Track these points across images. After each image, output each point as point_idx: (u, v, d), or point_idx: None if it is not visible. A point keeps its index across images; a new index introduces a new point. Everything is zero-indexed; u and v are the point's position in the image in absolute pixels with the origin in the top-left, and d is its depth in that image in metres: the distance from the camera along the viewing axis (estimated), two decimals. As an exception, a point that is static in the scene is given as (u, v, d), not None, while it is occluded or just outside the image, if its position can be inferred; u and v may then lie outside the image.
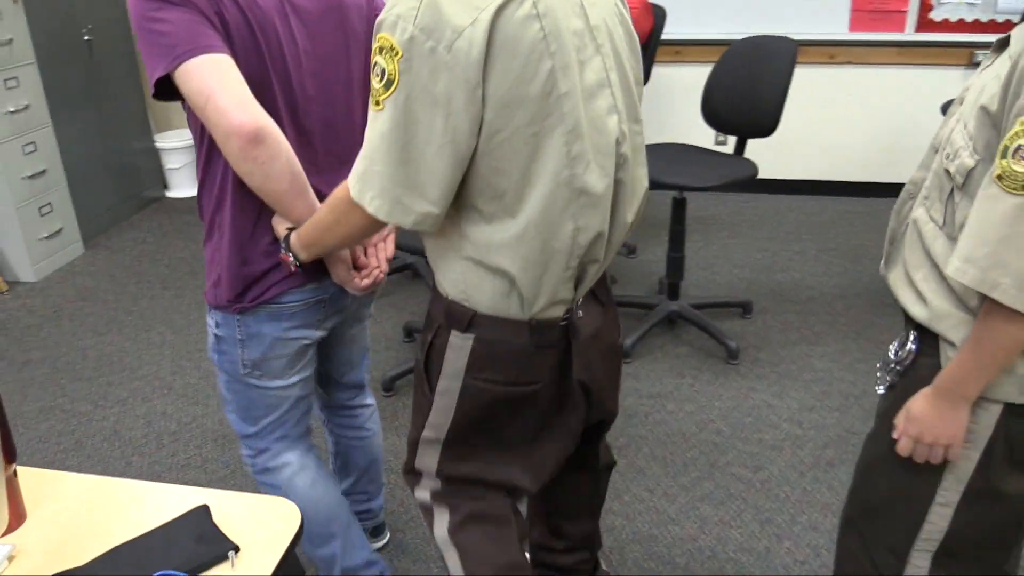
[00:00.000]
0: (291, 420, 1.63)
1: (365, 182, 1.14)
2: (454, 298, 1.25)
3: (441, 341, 1.28)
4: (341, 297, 1.56)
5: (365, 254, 1.51)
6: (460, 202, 1.18)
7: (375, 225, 1.21)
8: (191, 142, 3.69)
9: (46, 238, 3.94)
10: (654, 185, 2.10)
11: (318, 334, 1.56)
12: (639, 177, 1.30)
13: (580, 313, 1.29)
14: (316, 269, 1.45)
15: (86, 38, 4.24)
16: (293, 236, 1.38)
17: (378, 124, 1.11)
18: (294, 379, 1.57)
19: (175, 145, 4.96)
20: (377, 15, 1.34)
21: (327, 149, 1.45)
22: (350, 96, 1.48)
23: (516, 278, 1.19)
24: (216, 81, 1.23)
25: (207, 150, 1.38)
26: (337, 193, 1.24)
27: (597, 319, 1.36)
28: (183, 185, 5.08)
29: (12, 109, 3.65)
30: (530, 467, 1.39)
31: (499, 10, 1.06)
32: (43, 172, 3.88)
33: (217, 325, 1.52)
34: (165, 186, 5.10)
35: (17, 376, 3.03)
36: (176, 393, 2.89)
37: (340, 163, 1.48)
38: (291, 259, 1.39)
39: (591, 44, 1.16)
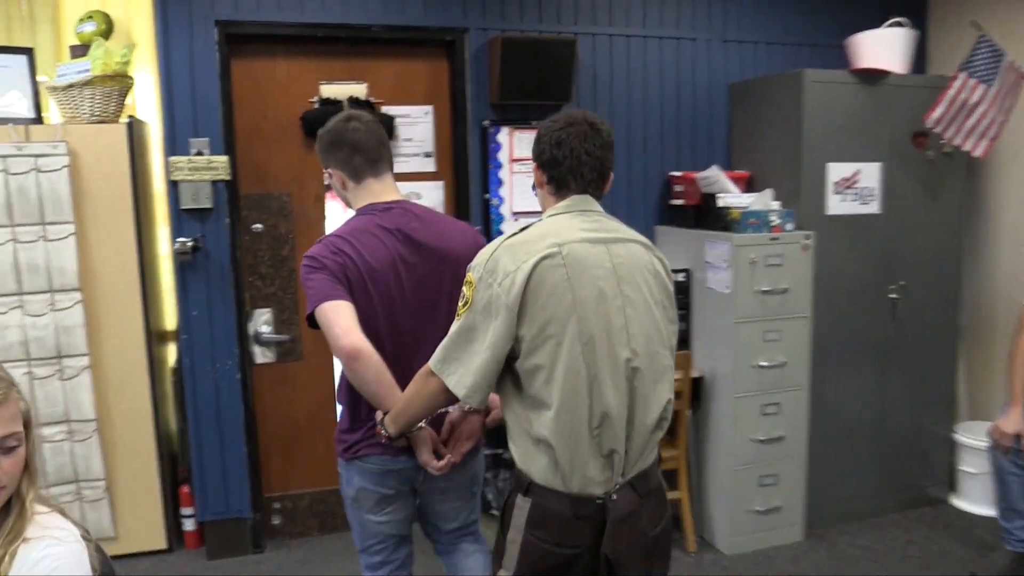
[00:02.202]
0: (387, 556, 2.19)
1: (443, 362, 1.71)
2: (520, 467, 1.72)
3: (511, 501, 1.75)
4: (412, 474, 2.07)
5: (445, 446, 2.03)
6: (521, 392, 1.69)
7: (445, 395, 1.72)
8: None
9: (759, 512, 3.41)
10: None
11: (390, 492, 2.09)
12: (660, 392, 1.73)
13: (615, 497, 1.68)
14: (395, 449, 2.01)
15: (893, 296, 3.66)
16: (387, 416, 1.91)
17: (456, 325, 1.70)
18: (383, 518, 2.13)
19: (977, 443, 3.70)
20: None
21: (418, 361, 1.84)
22: (437, 327, 1.97)
23: (555, 449, 1.64)
24: (334, 316, 1.89)
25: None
26: (418, 373, 1.80)
27: (631, 505, 1.70)
28: (975, 496, 3.83)
29: (765, 364, 3.33)
30: None
31: (536, 263, 1.62)
32: (779, 439, 3.40)
33: (339, 466, 2.15)
34: (952, 488, 3.96)
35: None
36: None
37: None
38: (383, 432, 1.92)
39: (613, 287, 1.67)
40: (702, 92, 3.87)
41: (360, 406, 2.01)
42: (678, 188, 3.78)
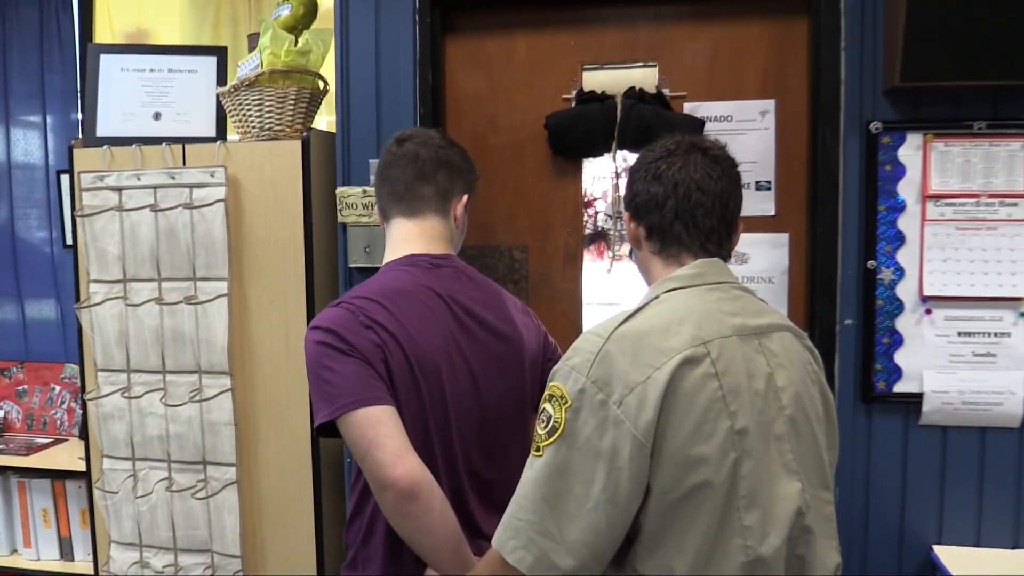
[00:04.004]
0: None
1: (509, 530, 1.13)
2: None
3: None
4: None
5: None
6: (624, 568, 1.14)
7: None
8: None
9: None
10: None
11: None
12: (828, 553, 1.18)
13: None
14: None
15: None
16: None
17: (534, 471, 1.12)
18: None
19: None
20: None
21: (481, 504, 1.42)
22: (512, 444, 1.46)
23: None
24: (375, 432, 1.28)
25: (362, 488, 1.42)
26: (488, 556, 1.22)
27: None
28: None
29: None
30: None
31: (675, 370, 1.07)
32: None
33: None
34: None
35: None
36: None
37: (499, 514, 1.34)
38: None
39: (774, 405, 1.14)
40: None
41: (403, 560, 1.39)
42: None
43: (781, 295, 2.08)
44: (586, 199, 2.17)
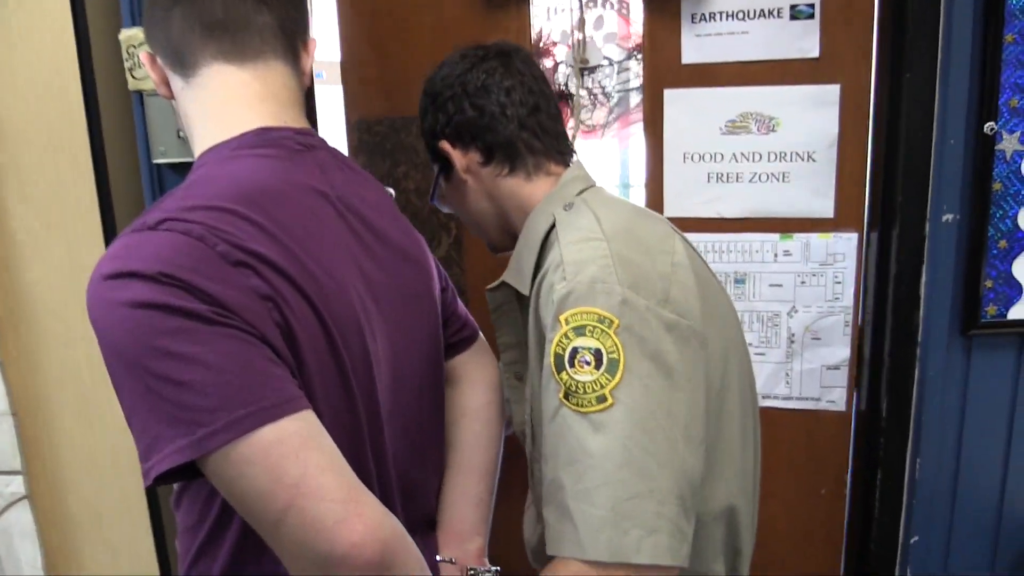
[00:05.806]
0: None
1: (618, 526, 0.81)
2: None
3: None
4: None
5: None
6: None
7: None
8: None
9: None
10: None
11: None
12: None
13: None
14: None
15: None
16: None
17: (614, 430, 0.82)
18: None
19: None
20: (449, 303, 1.10)
21: (411, 513, 0.96)
22: (433, 424, 1.04)
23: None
24: (300, 468, 0.69)
25: (230, 548, 0.83)
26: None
27: None
28: None
29: None
30: None
31: (684, 249, 0.95)
32: None
33: None
34: None
35: None
36: None
37: (425, 523, 1.03)
38: None
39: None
40: None
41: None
42: None
43: (827, 179, 1.39)
44: (540, 43, 1.40)
